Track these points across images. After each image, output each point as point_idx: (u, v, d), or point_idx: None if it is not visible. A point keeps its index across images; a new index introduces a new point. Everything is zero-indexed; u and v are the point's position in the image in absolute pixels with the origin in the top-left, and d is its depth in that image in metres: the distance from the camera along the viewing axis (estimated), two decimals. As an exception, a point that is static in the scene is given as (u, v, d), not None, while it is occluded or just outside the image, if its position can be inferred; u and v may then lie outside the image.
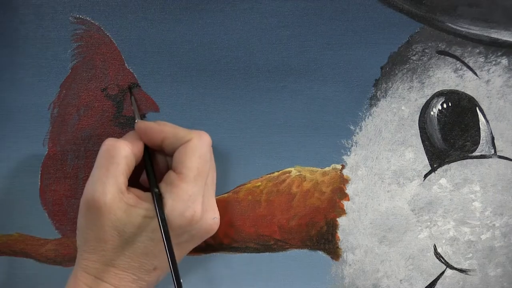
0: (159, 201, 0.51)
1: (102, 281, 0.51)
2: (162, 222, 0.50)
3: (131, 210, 0.51)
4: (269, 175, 0.61)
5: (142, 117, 0.60)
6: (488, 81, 0.60)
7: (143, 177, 0.57)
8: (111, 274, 0.51)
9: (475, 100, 0.60)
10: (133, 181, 0.55)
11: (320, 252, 0.60)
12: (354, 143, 0.61)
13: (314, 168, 0.60)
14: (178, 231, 0.52)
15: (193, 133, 0.53)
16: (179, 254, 0.53)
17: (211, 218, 0.54)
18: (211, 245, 0.60)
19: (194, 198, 0.52)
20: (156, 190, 0.52)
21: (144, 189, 0.54)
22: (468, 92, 0.60)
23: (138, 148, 0.54)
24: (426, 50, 0.60)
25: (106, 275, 0.51)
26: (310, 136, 0.60)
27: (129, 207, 0.51)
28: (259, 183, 0.60)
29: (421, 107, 0.60)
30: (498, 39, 0.59)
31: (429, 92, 0.60)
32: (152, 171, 0.54)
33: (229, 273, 0.60)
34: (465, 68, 0.60)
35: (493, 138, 0.60)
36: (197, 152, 0.52)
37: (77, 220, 0.53)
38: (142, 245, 0.51)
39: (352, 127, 0.60)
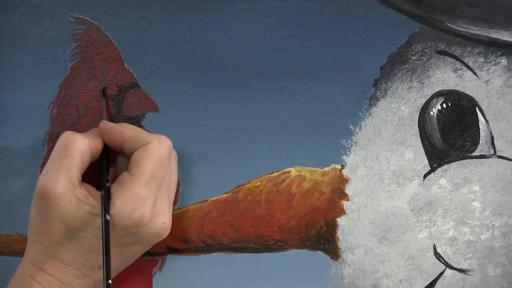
0: (106, 198, 0.51)
1: (47, 273, 0.51)
2: (104, 219, 0.50)
3: (79, 204, 0.51)
4: (268, 175, 0.61)
5: (142, 117, 0.60)
6: (487, 81, 0.60)
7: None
8: (56, 267, 0.51)
9: (475, 100, 0.60)
10: (90, 179, 0.54)
11: (319, 252, 0.60)
12: (353, 143, 0.61)
13: (314, 168, 0.60)
14: (124, 232, 0.52)
15: (153, 136, 0.54)
16: (126, 256, 0.53)
17: (160, 223, 0.53)
18: (211, 245, 0.60)
19: (144, 201, 0.52)
20: (107, 185, 0.52)
21: (99, 187, 0.54)
22: (468, 92, 0.60)
23: (96, 145, 0.54)
24: (426, 50, 0.60)
25: (51, 267, 0.51)
26: (310, 136, 0.60)
27: (78, 201, 0.51)
28: (259, 183, 0.60)
29: (420, 107, 0.60)
30: (497, 39, 0.59)
31: (428, 92, 0.60)
32: (106, 169, 0.54)
33: (229, 273, 0.60)
34: (464, 68, 0.60)
35: (492, 138, 0.60)
36: (153, 155, 0.52)
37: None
38: (87, 241, 0.51)
39: (351, 127, 0.60)
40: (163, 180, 0.54)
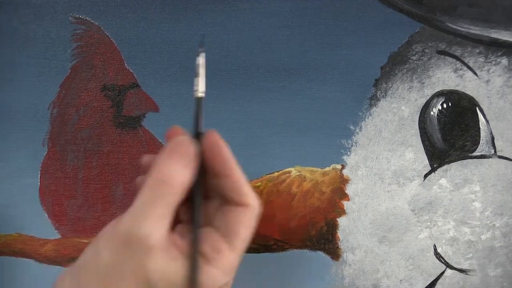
0: (195, 266, 0.40)
1: None
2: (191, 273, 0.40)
3: (172, 262, 0.40)
4: (269, 175, 0.61)
5: (142, 117, 0.60)
6: (488, 81, 0.60)
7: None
8: None
9: (475, 100, 0.60)
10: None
11: (320, 252, 0.60)
12: (354, 143, 0.61)
13: (314, 168, 0.60)
14: None
15: (253, 198, 0.42)
16: None
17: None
18: (211, 245, 0.60)
19: (234, 269, 0.43)
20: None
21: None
22: (468, 92, 0.60)
23: (193, 174, 0.41)
24: (426, 50, 0.60)
25: None
26: (310, 136, 0.60)
27: (171, 259, 0.40)
28: (259, 183, 0.60)
29: (421, 107, 0.60)
30: (498, 39, 0.59)
31: (429, 92, 0.60)
32: (198, 219, 0.41)
33: (229, 273, 0.60)
34: (465, 68, 0.60)
35: (493, 138, 0.60)
36: (252, 221, 0.42)
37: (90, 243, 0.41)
38: None
39: (352, 127, 0.60)
40: None
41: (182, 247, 0.40)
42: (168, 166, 0.40)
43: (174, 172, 0.39)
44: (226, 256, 0.41)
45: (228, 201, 0.42)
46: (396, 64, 0.60)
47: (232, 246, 0.41)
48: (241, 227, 0.42)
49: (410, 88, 0.60)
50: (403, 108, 0.60)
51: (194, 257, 0.40)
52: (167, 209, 0.39)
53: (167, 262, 0.39)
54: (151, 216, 0.38)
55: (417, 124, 0.60)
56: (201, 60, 0.44)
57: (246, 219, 0.42)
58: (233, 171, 0.42)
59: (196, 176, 0.41)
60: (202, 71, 0.44)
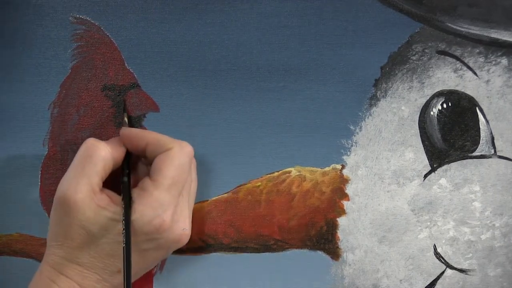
0: (127, 206, 0.51)
1: (66, 277, 0.52)
2: (126, 226, 0.50)
3: (100, 211, 0.51)
4: (269, 175, 0.61)
5: (142, 117, 0.60)
6: (488, 81, 0.60)
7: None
8: (75, 271, 0.52)
9: (475, 100, 0.60)
10: (112, 185, 0.55)
11: (320, 252, 0.60)
12: (354, 143, 0.61)
13: (314, 168, 0.60)
14: (144, 238, 0.52)
15: (175, 142, 0.53)
16: (145, 261, 0.54)
17: (181, 229, 0.53)
18: (211, 245, 0.60)
19: (165, 207, 0.52)
20: (129, 193, 0.52)
21: (120, 193, 0.54)
22: (468, 92, 0.60)
23: (119, 153, 0.54)
24: (426, 50, 0.60)
25: (70, 271, 0.52)
26: (310, 136, 0.60)
27: (98, 208, 0.51)
28: (259, 183, 0.60)
29: (421, 107, 0.60)
30: (498, 39, 0.59)
31: (429, 92, 0.60)
32: (128, 176, 0.54)
33: (229, 273, 0.60)
34: (465, 68, 0.60)
35: (493, 138, 0.60)
36: (175, 161, 0.52)
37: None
38: (107, 247, 0.51)
39: (352, 127, 0.60)
40: (184, 186, 0.54)
41: (108, 199, 0.52)
42: (93, 145, 0.52)
43: (97, 149, 0.52)
44: (150, 192, 0.51)
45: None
46: (396, 64, 0.60)
47: (156, 183, 0.52)
48: (163, 166, 0.52)
49: (410, 88, 0.60)
50: (403, 108, 0.60)
51: (126, 199, 0.51)
52: (90, 174, 0.51)
53: (96, 211, 0.51)
54: (76, 179, 0.51)
55: (417, 124, 0.60)
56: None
57: (167, 158, 0.52)
58: (148, 137, 0.54)
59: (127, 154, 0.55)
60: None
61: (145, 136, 0.54)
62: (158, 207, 0.51)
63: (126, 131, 0.55)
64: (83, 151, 0.53)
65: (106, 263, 0.52)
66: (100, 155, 0.52)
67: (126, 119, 0.59)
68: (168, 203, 0.52)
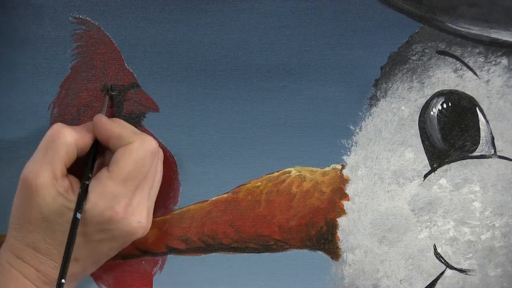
0: (82, 196, 0.52)
1: (23, 261, 0.52)
2: (74, 217, 0.51)
3: (58, 197, 0.52)
4: (269, 175, 0.61)
5: (142, 117, 0.60)
6: (488, 81, 0.60)
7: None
8: (33, 256, 0.52)
9: (475, 100, 0.60)
10: (78, 172, 0.55)
11: (320, 252, 0.60)
12: (354, 143, 0.61)
13: (314, 168, 0.60)
14: (97, 228, 0.52)
15: (137, 137, 0.54)
16: (101, 251, 0.54)
17: (136, 222, 0.53)
18: (211, 245, 0.60)
19: (119, 199, 0.52)
20: (86, 183, 0.53)
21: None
22: (468, 92, 0.60)
23: (85, 139, 0.54)
24: (426, 50, 0.60)
25: (27, 256, 0.52)
26: (310, 136, 0.60)
27: (57, 194, 0.52)
28: (259, 183, 0.60)
29: (421, 107, 0.60)
30: (498, 39, 0.59)
31: (429, 92, 0.60)
32: (91, 165, 0.54)
33: (229, 273, 0.60)
34: (465, 68, 0.60)
35: (493, 138, 0.60)
36: (133, 155, 0.53)
37: None
38: (61, 234, 0.52)
39: (352, 127, 0.60)
40: (145, 180, 0.54)
41: (68, 186, 0.52)
42: (57, 130, 0.53)
43: (61, 135, 0.53)
44: (103, 182, 0.52)
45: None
46: (396, 64, 0.60)
47: (111, 174, 0.52)
48: (121, 158, 0.52)
49: (410, 88, 0.60)
50: (403, 108, 0.60)
51: (81, 190, 0.52)
52: (53, 160, 0.52)
53: (54, 197, 0.51)
54: (39, 163, 0.52)
55: (417, 124, 0.60)
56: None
57: (126, 152, 0.53)
58: (112, 131, 0.54)
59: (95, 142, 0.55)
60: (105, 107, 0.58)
61: (110, 129, 0.54)
62: (111, 198, 0.52)
63: (97, 118, 0.55)
64: (48, 136, 0.53)
65: (61, 250, 0.52)
66: (63, 141, 0.53)
67: (105, 106, 0.59)
68: (122, 195, 0.52)
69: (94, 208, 0.52)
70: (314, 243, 0.60)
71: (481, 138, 0.60)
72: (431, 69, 0.60)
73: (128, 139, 0.53)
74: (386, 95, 0.60)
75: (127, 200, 0.53)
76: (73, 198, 0.52)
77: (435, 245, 0.60)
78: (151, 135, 0.58)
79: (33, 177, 0.51)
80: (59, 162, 0.52)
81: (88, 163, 0.54)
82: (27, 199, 0.52)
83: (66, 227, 0.51)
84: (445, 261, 0.60)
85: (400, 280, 0.60)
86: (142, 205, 0.54)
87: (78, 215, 0.51)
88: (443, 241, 0.60)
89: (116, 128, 0.54)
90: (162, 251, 0.60)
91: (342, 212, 0.60)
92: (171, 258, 0.60)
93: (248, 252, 0.60)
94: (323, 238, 0.60)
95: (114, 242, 0.54)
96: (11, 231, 0.53)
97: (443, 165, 0.60)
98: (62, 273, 0.50)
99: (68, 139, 0.53)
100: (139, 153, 0.53)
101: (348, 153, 0.61)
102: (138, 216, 0.54)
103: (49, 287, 0.53)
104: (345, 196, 0.60)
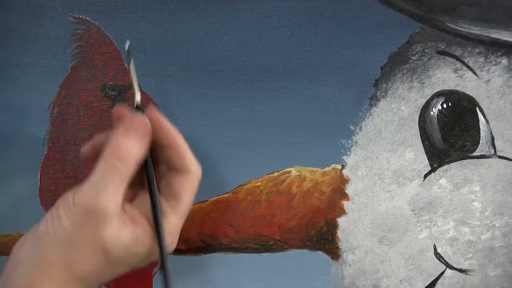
0: (159, 228, 0.45)
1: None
2: (162, 251, 0.45)
3: (124, 229, 0.44)
4: (269, 175, 0.61)
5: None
6: (488, 81, 0.60)
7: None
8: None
9: (475, 100, 0.60)
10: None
11: (320, 252, 0.60)
12: (354, 143, 0.61)
13: (314, 168, 0.61)
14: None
15: (192, 163, 0.46)
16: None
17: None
18: (211, 245, 0.60)
19: (179, 232, 0.47)
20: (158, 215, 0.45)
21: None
22: (468, 92, 0.60)
23: (147, 147, 0.46)
24: (426, 50, 0.60)
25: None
26: (310, 136, 0.60)
27: (123, 225, 0.44)
28: (259, 183, 0.60)
29: (421, 107, 0.60)
30: (498, 39, 0.59)
31: (429, 92, 0.60)
32: (155, 187, 0.46)
33: (229, 273, 0.60)
34: (465, 68, 0.60)
35: (493, 138, 0.60)
36: (194, 188, 0.47)
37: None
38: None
39: (352, 127, 0.60)
40: None
41: (132, 213, 0.44)
42: (125, 143, 0.43)
43: (131, 149, 0.43)
44: (170, 219, 0.45)
45: (172, 168, 0.46)
46: (396, 64, 0.60)
47: (175, 210, 0.45)
48: (183, 193, 0.45)
49: (410, 88, 0.60)
50: (403, 108, 0.60)
51: (157, 219, 0.44)
52: (122, 182, 0.43)
53: (120, 229, 0.43)
54: (108, 189, 0.42)
55: (417, 124, 0.60)
56: (131, 67, 0.48)
57: (189, 185, 0.46)
58: (176, 140, 0.45)
59: (149, 150, 0.45)
60: (134, 79, 0.47)
61: (169, 134, 0.46)
62: (175, 233, 0.46)
63: (156, 116, 0.46)
64: (113, 151, 0.44)
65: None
66: (134, 156, 0.44)
67: (137, 98, 0.47)
68: (180, 228, 0.47)
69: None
70: (314, 243, 0.60)
71: (481, 138, 0.60)
72: (431, 69, 0.60)
73: (187, 163, 0.46)
74: (386, 95, 0.60)
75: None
76: (138, 229, 0.44)
77: (435, 245, 0.60)
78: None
79: (103, 208, 0.42)
80: (125, 186, 0.44)
81: (151, 184, 0.46)
82: (89, 230, 0.43)
83: (129, 264, 0.45)
84: (445, 261, 0.60)
85: (400, 280, 0.60)
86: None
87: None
88: (443, 241, 0.60)
89: (180, 139, 0.46)
90: (162, 251, 0.60)
91: (342, 212, 0.60)
92: (171, 258, 0.60)
93: (248, 252, 0.60)
94: (323, 238, 0.60)
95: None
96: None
97: (443, 165, 0.60)
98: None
99: (139, 155, 0.44)
100: (196, 185, 0.47)
101: (348, 153, 0.61)
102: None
103: None
104: (345, 196, 0.60)
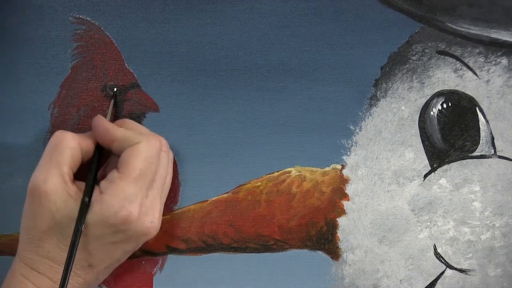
0: (84, 205, 0.51)
1: (38, 272, 0.52)
2: (79, 214, 0.51)
3: (69, 201, 0.51)
4: (269, 175, 0.61)
5: (142, 117, 0.60)
6: (488, 81, 0.60)
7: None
8: (47, 266, 0.52)
9: (475, 100, 0.60)
10: (84, 177, 0.54)
11: (320, 252, 0.60)
12: (354, 143, 0.61)
13: (314, 168, 0.60)
14: (112, 230, 0.52)
15: (143, 136, 0.54)
16: (115, 255, 0.54)
17: (149, 221, 0.53)
18: (211, 245, 0.60)
19: (132, 199, 0.52)
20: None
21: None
22: (468, 92, 0.60)
23: (87, 144, 0.55)
24: (426, 50, 0.60)
25: (42, 266, 0.52)
26: (310, 136, 0.60)
27: (68, 198, 0.51)
28: (259, 183, 0.60)
29: (421, 107, 0.60)
30: (498, 39, 0.59)
31: (429, 92, 0.60)
32: (95, 168, 0.54)
33: (229, 273, 0.60)
34: (465, 68, 0.60)
35: (493, 138, 0.60)
36: (142, 154, 0.53)
37: None
38: None
39: (352, 127, 0.60)
40: (154, 179, 0.54)
41: (77, 189, 0.52)
42: (60, 135, 0.53)
43: (64, 139, 0.53)
44: (117, 184, 0.52)
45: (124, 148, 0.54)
46: (396, 64, 0.60)
47: (122, 175, 0.52)
48: (130, 158, 0.52)
49: (410, 88, 0.60)
50: (403, 108, 0.60)
51: (88, 189, 0.52)
52: (59, 164, 0.52)
53: (66, 200, 0.51)
54: (46, 169, 0.52)
55: (417, 124, 0.60)
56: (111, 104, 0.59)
57: (134, 152, 0.53)
58: (116, 134, 0.54)
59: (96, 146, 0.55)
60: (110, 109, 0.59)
61: (113, 133, 0.54)
62: (124, 198, 0.51)
63: (96, 122, 0.55)
64: (51, 142, 0.53)
65: (76, 257, 0.51)
66: (66, 144, 0.53)
67: (110, 110, 0.59)
68: (135, 195, 0.52)
69: (108, 209, 0.51)
70: (314, 243, 0.60)
71: (481, 138, 0.60)
72: (431, 69, 0.60)
73: (134, 140, 0.53)
74: (386, 95, 0.60)
75: (140, 199, 0.52)
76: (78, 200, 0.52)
77: (435, 245, 0.60)
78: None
79: (42, 182, 0.51)
80: (66, 166, 0.52)
81: (92, 166, 0.54)
82: (38, 206, 0.51)
83: (83, 231, 0.51)
84: (445, 261, 0.60)
85: (400, 280, 0.60)
86: (154, 204, 0.54)
87: (81, 226, 0.51)
88: (443, 241, 0.60)
89: (119, 131, 0.54)
90: (162, 251, 0.60)
91: (342, 212, 0.60)
92: (171, 258, 0.60)
93: (248, 252, 0.60)
94: (323, 238, 0.60)
95: (128, 244, 0.53)
96: (23, 243, 0.53)
97: (443, 165, 0.60)
98: (63, 286, 0.49)
99: (71, 143, 0.53)
100: (147, 151, 0.53)
101: (348, 153, 0.61)
102: (150, 215, 0.53)
103: None
104: (345, 196, 0.60)
